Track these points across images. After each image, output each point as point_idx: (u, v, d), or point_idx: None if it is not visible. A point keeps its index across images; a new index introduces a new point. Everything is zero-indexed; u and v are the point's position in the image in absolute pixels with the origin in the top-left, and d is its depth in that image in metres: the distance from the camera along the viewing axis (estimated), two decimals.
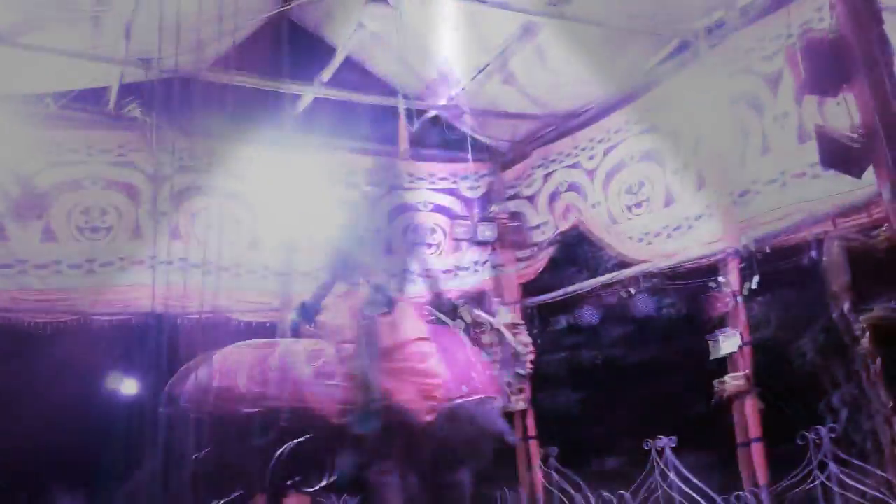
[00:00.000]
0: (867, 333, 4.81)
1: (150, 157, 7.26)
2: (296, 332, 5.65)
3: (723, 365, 6.14)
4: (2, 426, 6.07)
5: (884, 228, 4.73)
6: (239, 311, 7.53)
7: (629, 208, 7.23)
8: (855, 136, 3.70)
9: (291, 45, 8.02)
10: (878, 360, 4.79)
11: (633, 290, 7.36)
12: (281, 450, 4.72)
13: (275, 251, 7.81)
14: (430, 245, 8.52)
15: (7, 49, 5.92)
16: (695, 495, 6.46)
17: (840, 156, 3.83)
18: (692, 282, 7.06)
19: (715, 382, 6.00)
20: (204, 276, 7.36)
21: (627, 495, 7.02)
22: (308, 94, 7.62)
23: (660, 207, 6.93)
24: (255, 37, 7.67)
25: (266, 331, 7.73)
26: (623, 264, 7.56)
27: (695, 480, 6.49)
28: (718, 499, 6.26)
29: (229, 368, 4.98)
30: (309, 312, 5.54)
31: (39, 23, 6.01)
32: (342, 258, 5.80)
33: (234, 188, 7.77)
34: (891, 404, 4.81)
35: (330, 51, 7.44)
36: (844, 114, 3.83)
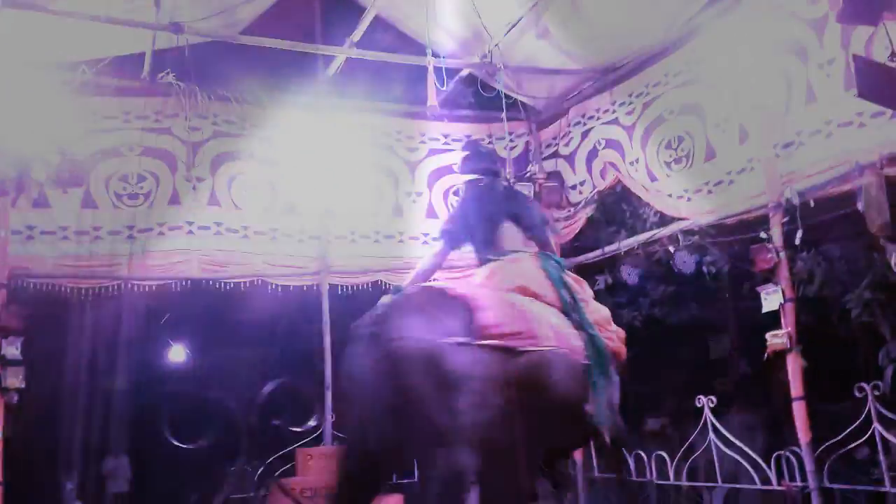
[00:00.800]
0: None
1: (185, 124, 7.30)
2: None
3: (768, 323, 5.97)
4: (42, 392, 6.23)
5: None
6: (276, 276, 7.58)
7: (669, 164, 7.02)
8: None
9: (322, 6, 7.99)
10: None
11: (673, 249, 7.21)
12: None
13: (310, 215, 7.83)
14: None
15: (41, 16, 5.97)
16: (736, 456, 6.34)
17: (879, 84, 3.59)
18: (734, 238, 6.89)
19: (768, 335, 5.81)
20: (241, 241, 7.53)
21: (666, 455, 6.93)
22: (340, 55, 7.55)
23: (700, 162, 6.71)
24: (285, 1, 7.64)
25: (304, 295, 7.81)
26: (663, 222, 7.40)
27: (736, 441, 6.35)
28: (761, 460, 6.12)
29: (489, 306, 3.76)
30: None
31: None
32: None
33: (268, 153, 7.80)
34: None
35: (360, 11, 7.34)
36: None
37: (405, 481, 7.89)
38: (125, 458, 9.06)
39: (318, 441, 7.66)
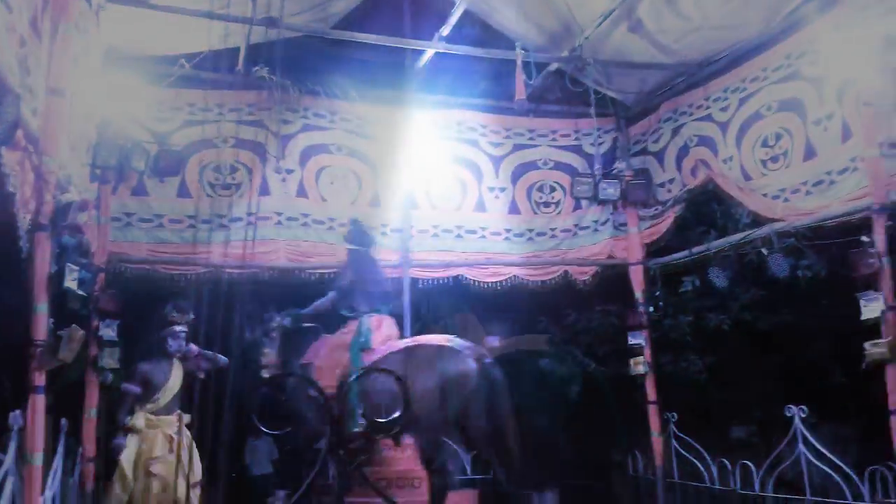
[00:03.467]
0: None
1: (276, 116, 7.46)
2: None
3: (866, 331, 5.66)
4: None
5: None
6: None
7: (765, 163, 6.76)
8: None
9: (411, 1, 8.02)
10: None
11: (766, 251, 6.92)
12: None
13: (394, 208, 7.89)
14: (549, 204, 8.36)
15: (141, 11, 6.19)
16: (827, 469, 6.06)
17: None
18: (833, 241, 6.56)
19: (866, 345, 5.52)
20: (326, 232, 7.66)
21: (752, 465, 6.68)
22: (428, 50, 7.57)
23: (799, 161, 6.43)
24: None
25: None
26: (756, 223, 7.12)
27: (827, 453, 6.07)
28: (854, 473, 5.82)
29: None
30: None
31: None
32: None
33: (356, 146, 7.91)
34: None
35: (450, 5, 7.33)
36: None
37: (479, 477, 7.91)
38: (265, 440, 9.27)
39: (398, 433, 7.70)
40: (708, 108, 7.38)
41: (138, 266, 6.97)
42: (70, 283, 4.51)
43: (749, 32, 6.76)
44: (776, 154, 6.63)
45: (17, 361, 4.46)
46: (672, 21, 6.94)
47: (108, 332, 6.42)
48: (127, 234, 7.06)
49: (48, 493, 4.62)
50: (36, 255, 4.38)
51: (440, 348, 5.87)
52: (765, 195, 6.77)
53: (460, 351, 5.85)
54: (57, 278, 4.45)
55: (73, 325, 4.55)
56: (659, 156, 8.05)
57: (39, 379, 4.36)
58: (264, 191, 7.50)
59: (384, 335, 6.25)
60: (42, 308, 4.39)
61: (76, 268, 4.58)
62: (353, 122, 7.90)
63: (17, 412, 4.05)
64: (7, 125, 3.48)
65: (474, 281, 8.01)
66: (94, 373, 6.34)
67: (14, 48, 3.89)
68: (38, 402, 4.33)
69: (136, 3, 6.24)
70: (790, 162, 6.51)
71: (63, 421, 5.12)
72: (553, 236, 8.33)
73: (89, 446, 6.30)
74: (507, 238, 8.23)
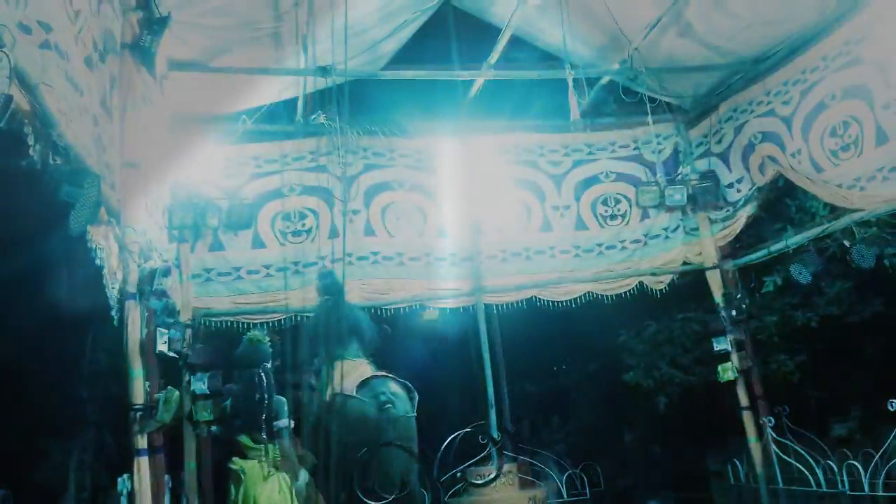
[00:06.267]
0: None
1: (338, 160, 7.63)
2: None
3: None
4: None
5: None
6: (433, 299, 7.75)
7: (835, 153, 6.56)
8: None
9: (458, 32, 8.13)
10: None
11: (848, 242, 6.70)
12: None
13: (461, 237, 7.95)
14: (615, 216, 8.28)
15: (201, 75, 6.46)
16: None
17: None
18: None
19: None
20: (397, 267, 7.77)
21: (859, 466, 6.41)
22: (478, 78, 7.65)
23: (871, 148, 6.21)
24: (423, 30, 7.85)
25: (459, 316, 7.92)
26: (834, 215, 6.91)
27: None
28: None
29: None
30: None
31: (226, 46, 6.53)
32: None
33: (417, 180, 8.03)
34: None
35: (496, 31, 7.40)
36: None
37: (574, 499, 7.82)
38: None
39: (484, 460, 7.72)
40: (769, 103, 7.22)
41: (222, 319, 7.19)
42: (161, 346, 4.70)
43: (802, 23, 6.61)
44: (846, 143, 6.43)
45: (119, 425, 4.65)
46: (722, 21, 6.84)
47: (200, 385, 6.61)
48: (208, 288, 7.30)
49: None
50: (127, 323, 4.59)
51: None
52: (839, 186, 6.55)
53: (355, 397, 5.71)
54: (149, 343, 4.65)
55: (169, 386, 4.73)
56: (724, 156, 7.90)
57: (142, 442, 4.55)
58: (333, 233, 7.66)
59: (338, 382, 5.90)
60: (138, 373, 4.59)
61: (165, 330, 4.77)
62: (412, 157, 8.03)
63: (126, 476, 4.22)
64: (91, 205, 3.68)
65: (548, 301, 7.98)
66: (191, 426, 6.54)
67: (89, 128, 4.12)
68: (144, 465, 4.50)
69: (196, 67, 6.51)
70: (862, 149, 6.30)
71: (167, 478, 5.30)
72: (623, 248, 8.24)
73: (192, 498, 6.49)
74: (576, 255, 8.18)
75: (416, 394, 5.94)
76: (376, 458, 5.25)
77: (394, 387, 5.82)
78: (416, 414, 5.81)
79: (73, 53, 3.75)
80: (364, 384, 5.73)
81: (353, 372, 5.82)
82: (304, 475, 5.81)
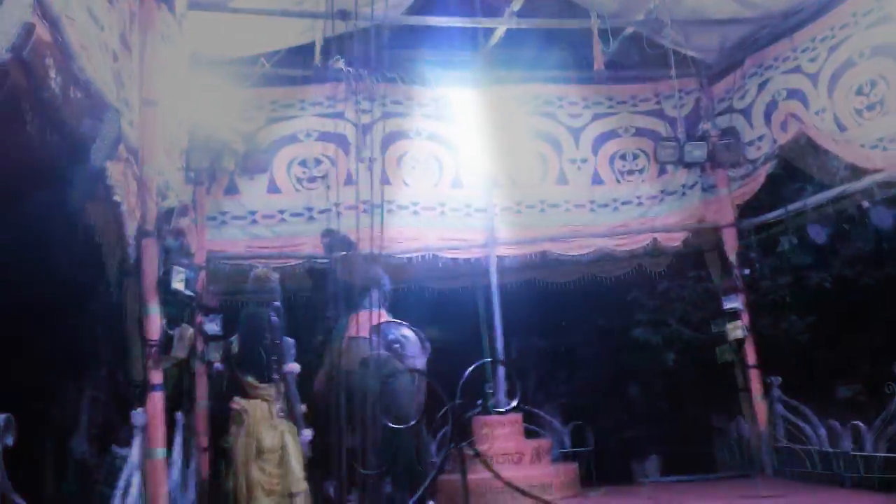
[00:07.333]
0: None
1: (356, 107, 7.57)
2: None
3: None
4: None
5: None
6: (445, 249, 7.75)
7: (860, 112, 6.46)
8: None
9: None
10: None
11: (867, 203, 6.62)
12: None
13: (476, 188, 7.92)
14: (633, 171, 8.21)
15: (221, 15, 6.39)
16: None
17: None
18: None
19: None
20: (411, 216, 7.76)
21: (863, 426, 6.44)
22: (500, 26, 7.53)
23: None
24: None
25: (471, 266, 7.93)
26: (855, 175, 6.82)
27: None
28: None
29: None
30: None
31: None
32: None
33: (434, 129, 7.98)
34: None
35: None
36: None
37: (579, 449, 7.94)
38: None
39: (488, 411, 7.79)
40: (796, 59, 7.10)
41: (235, 262, 7.23)
42: (177, 284, 4.73)
43: None
44: (872, 102, 6.34)
45: (134, 360, 4.71)
46: None
47: (213, 326, 6.68)
48: (223, 232, 7.35)
49: (170, 485, 4.87)
50: (144, 260, 4.62)
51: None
52: (862, 146, 6.48)
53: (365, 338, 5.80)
54: (165, 280, 4.68)
55: (184, 323, 4.78)
56: (746, 113, 7.80)
57: (156, 377, 4.61)
58: (349, 180, 7.63)
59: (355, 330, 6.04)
60: (154, 309, 4.63)
61: (182, 269, 4.80)
62: (430, 107, 7.96)
63: (140, 410, 4.29)
64: (110, 140, 3.68)
65: (560, 255, 7.97)
66: (203, 365, 6.63)
67: (109, 64, 4.10)
68: (157, 400, 4.58)
69: (215, 7, 6.44)
70: (888, 109, 6.21)
71: (178, 415, 5.38)
72: (640, 204, 8.21)
73: (203, 437, 6.62)
74: (591, 209, 8.16)
75: (428, 343, 6.01)
76: (387, 389, 5.41)
77: (405, 331, 5.90)
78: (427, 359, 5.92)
79: None
80: (376, 328, 5.80)
81: (370, 321, 5.89)
82: (308, 433, 5.75)
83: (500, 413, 5.92)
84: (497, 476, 5.95)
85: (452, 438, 5.07)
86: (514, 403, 5.57)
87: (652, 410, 9.59)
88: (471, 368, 5.42)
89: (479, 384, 6.83)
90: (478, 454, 6.08)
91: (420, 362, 6.10)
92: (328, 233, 6.75)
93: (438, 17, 7.29)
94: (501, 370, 7.49)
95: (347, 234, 6.55)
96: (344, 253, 6.53)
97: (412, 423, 5.56)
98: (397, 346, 5.77)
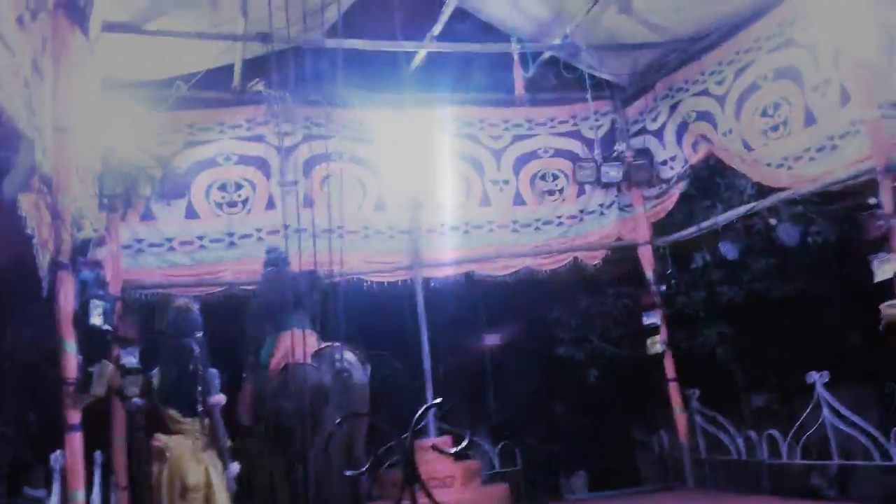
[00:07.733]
0: None
1: (276, 129, 7.47)
2: None
3: (881, 293, 5.69)
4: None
5: None
6: (370, 273, 7.70)
7: (765, 132, 6.78)
8: None
9: (401, 2, 7.99)
10: None
11: (774, 221, 6.96)
12: None
13: (400, 210, 7.91)
14: (553, 192, 8.37)
15: (136, 38, 6.21)
16: (852, 432, 6.10)
17: None
18: (841, 206, 6.59)
19: (882, 306, 5.51)
20: (335, 240, 7.65)
21: (778, 434, 6.72)
22: (421, 50, 7.58)
23: (800, 128, 6.45)
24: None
25: (397, 290, 7.90)
26: (762, 193, 7.16)
27: (851, 417, 6.11)
28: (879, 435, 5.86)
29: None
30: None
31: (163, 8, 6.28)
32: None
33: (357, 152, 7.92)
34: None
35: (440, 3, 7.33)
36: None
37: (507, 470, 7.97)
38: None
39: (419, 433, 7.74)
40: (704, 82, 7.40)
41: (153, 291, 6.99)
42: (95, 319, 4.55)
43: (738, 4, 6.76)
44: (776, 123, 6.65)
45: (50, 400, 4.49)
46: (661, 0, 6.94)
47: (131, 359, 6.41)
48: (139, 260, 7.09)
49: None
50: (59, 294, 4.42)
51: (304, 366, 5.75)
52: (768, 165, 6.79)
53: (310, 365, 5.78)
54: (82, 315, 4.49)
55: (103, 360, 4.58)
56: (659, 134, 8.08)
57: (74, 417, 4.40)
58: (270, 204, 7.52)
59: (284, 352, 5.94)
60: (70, 346, 4.43)
61: (100, 303, 4.61)
62: (353, 129, 7.92)
63: (59, 452, 4.09)
64: (24, 171, 3.51)
65: (485, 276, 8.05)
66: (120, 402, 6.36)
67: (20, 91, 3.92)
68: (76, 440, 4.37)
69: (129, 29, 6.26)
70: (791, 130, 6.53)
71: (97, 454, 5.15)
72: (560, 223, 8.36)
73: (121, 474, 6.34)
74: (514, 230, 8.26)
75: (369, 365, 5.95)
76: (343, 426, 5.33)
77: (349, 356, 5.82)
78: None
79: (4, 12, 3.55)
80: (319, 353, 5.71)
81: (300, 343, 5.76)
82: (235, 466, 5.54)
83: (452, 455, 5.88)
84: (434, 502, 5.90)
85: (405, 476, 4.95)
86: (465, 444, 5.46)
87: (577, 427, 9.75)
88: (419, 412, 5.28)
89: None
90: (419, 481, 6.00)
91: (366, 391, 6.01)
92: (272, 250, 6.64)
93: (359, 39, 7.27)
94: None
95: (285, 254, 6.54)
96: (273, 268, 6.45)
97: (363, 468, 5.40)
98: (346, 374, 5.67)
